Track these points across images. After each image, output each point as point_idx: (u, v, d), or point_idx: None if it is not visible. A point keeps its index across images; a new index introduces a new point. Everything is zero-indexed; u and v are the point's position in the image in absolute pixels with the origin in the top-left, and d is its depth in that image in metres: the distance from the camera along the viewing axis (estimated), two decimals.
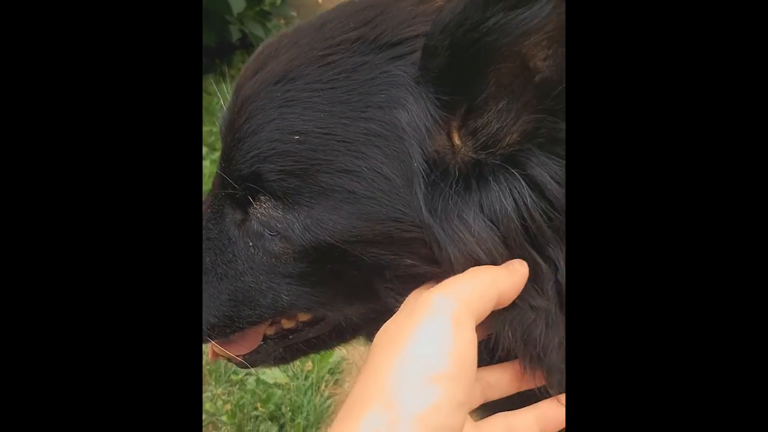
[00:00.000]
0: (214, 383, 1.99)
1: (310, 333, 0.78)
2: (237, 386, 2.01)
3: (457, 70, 0.61)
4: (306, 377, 2.02)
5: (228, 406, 1.96)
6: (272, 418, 1.97)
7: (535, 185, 0.62)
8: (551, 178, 0.61)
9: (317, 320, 0.77)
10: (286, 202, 0.63)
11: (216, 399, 1.97)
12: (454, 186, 0.63)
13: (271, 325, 0.80)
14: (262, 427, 1.96)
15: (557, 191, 0.61)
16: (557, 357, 0.64)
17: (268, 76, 0.66)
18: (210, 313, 0.72)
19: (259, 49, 0.72)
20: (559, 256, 0.63)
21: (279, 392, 2.00)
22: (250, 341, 0.80)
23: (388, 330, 0.59)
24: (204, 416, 1.92)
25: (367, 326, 0.74)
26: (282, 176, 0.63)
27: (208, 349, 0.81)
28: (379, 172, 0.62)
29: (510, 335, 0.65)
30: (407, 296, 0.65)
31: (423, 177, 0.62)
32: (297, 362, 1.49)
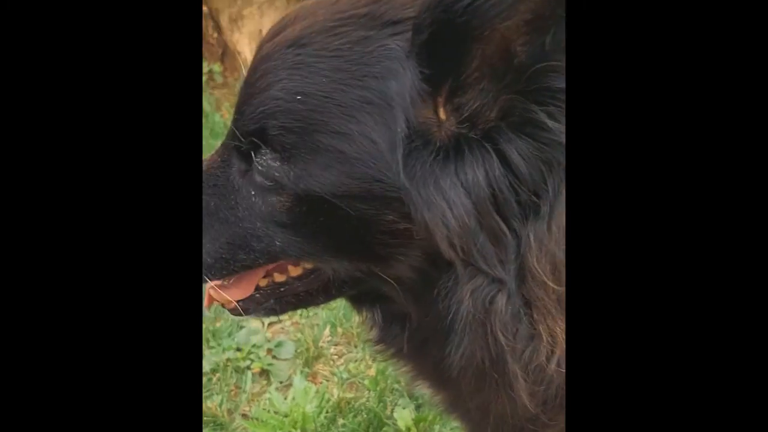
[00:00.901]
0: (362, 345, 2.12)
1: (300, 287, 0.85)
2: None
3: (439, 47, 0.66)
4: None
5: (371, 371, 2.09)
6: (411, 396, 2.05)
7: (504, 159, 0.66)
8: (519, 153, 0.66)
9: (306, 275, 0.85)
10: (284, 155, 0.71)
11: (360, 363, 2.11)
12: (434, 155, 0.68)
13: (264, 277, 0.87)
14: (400, 401, 2.04)
15: (522, 166, 0.66)
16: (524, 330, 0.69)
17: (283, 40, 0.74)
18: (208, 254, 0.80)
19: (284, 15, 0.81)
20: (525, 230, 0.67)
21: None
22: (244, 288, 0.87)
23: None
24: (346, 375, 2.06)
25: (354, 286, 0.80)
26: (282, 132, 0.71)
27: (205, 293, 0.87)
28: (368, 137, 0.69)
29: (471, 305, 0.69)
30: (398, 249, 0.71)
31: (404, 144, 0.68)
32: None
